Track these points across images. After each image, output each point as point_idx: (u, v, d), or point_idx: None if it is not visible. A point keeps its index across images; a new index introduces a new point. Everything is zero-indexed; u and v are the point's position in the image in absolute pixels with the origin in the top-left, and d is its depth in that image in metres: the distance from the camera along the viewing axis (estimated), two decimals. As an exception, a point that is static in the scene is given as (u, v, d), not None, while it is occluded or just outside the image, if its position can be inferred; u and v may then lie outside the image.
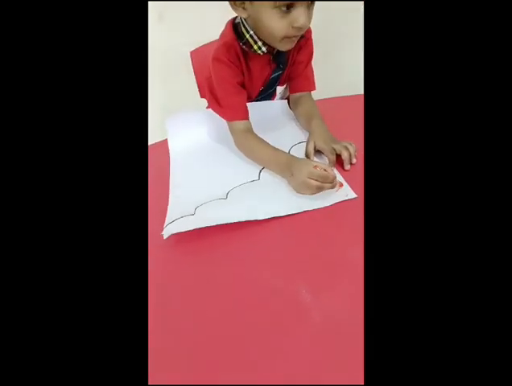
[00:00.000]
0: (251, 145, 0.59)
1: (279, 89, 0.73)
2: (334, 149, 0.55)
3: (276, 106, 0.72)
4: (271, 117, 0.69)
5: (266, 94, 0.71)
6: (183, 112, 0.69)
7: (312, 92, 0.70)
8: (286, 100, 0.75)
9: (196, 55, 0.86)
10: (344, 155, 0.54)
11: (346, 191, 0.49)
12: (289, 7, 0.49)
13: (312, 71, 0.71)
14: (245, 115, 0.61)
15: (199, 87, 0.88)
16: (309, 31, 0.67)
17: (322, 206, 0.48)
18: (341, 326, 0.34)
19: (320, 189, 0.48)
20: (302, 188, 0.49)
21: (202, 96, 0.86)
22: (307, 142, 0.59)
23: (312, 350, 0.32)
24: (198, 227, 0.44)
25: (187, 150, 0.64)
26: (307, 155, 0.58)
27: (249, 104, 0.68)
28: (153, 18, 1.09)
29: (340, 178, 0.52)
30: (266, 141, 0.58)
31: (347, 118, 0.66)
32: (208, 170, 0.59)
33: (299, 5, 0.49)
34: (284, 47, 0.57)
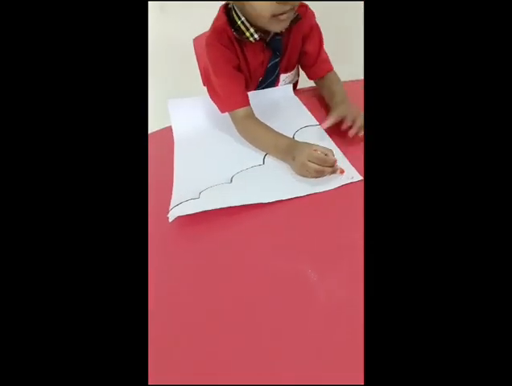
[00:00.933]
0: (253, 132, 0.58)
1: (283, 77, 0.71)
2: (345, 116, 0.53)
3: (279, 92, 0.71)
4: (275, 103, 0.68)
5: (268, 83, 0.69)
6: (186, 98, 0.68)
7: None
8: (291, 85, 0.74)
9: (199, 42, 0.85)
10: (358, 122, 0.52)
11: (352, 174, 0.48)
12: None
13: (326, 54, 0.69)
14: (244, 102, 0.59)
15: (201, 74, 0.88)
16: (313, 17, 0.65)
17: (326, 189, 0.47)
18: (344, 306, 0.34)
19: (319, 172, 0.47)
20: (302, 171, 0.49)
21: (205, 84, 0.85)
22: (331, 112, 0.57)
23: (317, 331, 0.32)
24: (203, 209, 0.44)
25: (192, 135, 0.63)
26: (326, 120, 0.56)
27: (251, 93, 0.67)
28: (155, 9, 1.08)
29: (345, 161, 0.51)
30: (268, 126, 0.57)
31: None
32: (212, 154, 0.58)
33: None
34: (275, 27, 0.55)
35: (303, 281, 0.36)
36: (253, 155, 0.56)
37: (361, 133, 0.53)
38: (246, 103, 0.60)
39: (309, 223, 0.44)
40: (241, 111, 0.59)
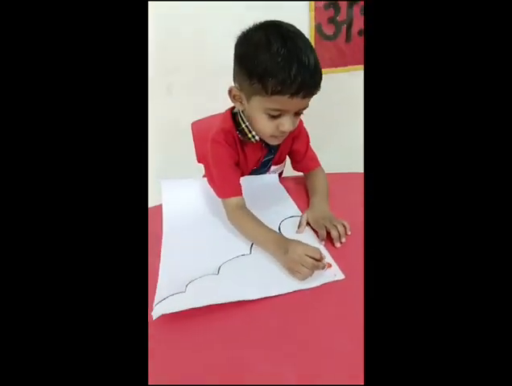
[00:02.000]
0: (244, 222, 0.61)
1: (273, 168, 0.79)
2: (325, 227, 0.58)
3: (265, 179, 0.77)
4: (261, 190, 0.73)
5: (259, 172, 0.77)
6: (179, 179, 0.73)
7: None
8: (277, 174, 0.81)
9: (196, 126, 0.94)
10: (332, 234, 0.57)
11: (334, 271, 0.51)
12: (277, 115, 0.57)
13: (313, 152, 0.79)
14: (238, 192, 0.65)
15: (197, 153, 0.94)
16: (300, 123, 0.75)
17: (311, 286, 0.48)
18: None
19: (314, 267, 0.49)
20: (295, 265, 0.49)
21: (199, 162, 0.91)
22: (303, 214, 0.63)
23: None
24: (188, 307, 0.43)
25: (180, 221, 0.65)
26: (298, 226, 0.61)
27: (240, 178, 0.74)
28: (161, 91, 1.20)
29: (329, 257, 0.53)
30: (258, 219, 0.60)
31: (346, 194, 0.71)
32: (200, 241, 0.60)
33: (286, 114, 0.57)
34: (272, 142, 0.65)
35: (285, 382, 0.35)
36: (241, 243, 0.58)
37: (343, 240, 0.57)
38: (239, 193, 0.65)
39: (294, 321, 0.44)
40: (233, 200, 0.64)
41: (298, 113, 0.59)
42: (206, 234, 0.62)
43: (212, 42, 1.16)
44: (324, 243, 0.57)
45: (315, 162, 0.77)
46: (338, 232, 0.57)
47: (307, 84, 0.52)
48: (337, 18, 1.22)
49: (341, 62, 1.31)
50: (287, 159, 0.84)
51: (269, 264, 0.53)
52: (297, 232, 0.60)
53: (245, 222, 0.61)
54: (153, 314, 0.43)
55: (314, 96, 0.57)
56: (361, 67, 1.35)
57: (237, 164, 0.69)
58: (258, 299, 0.46)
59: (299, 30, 0.55)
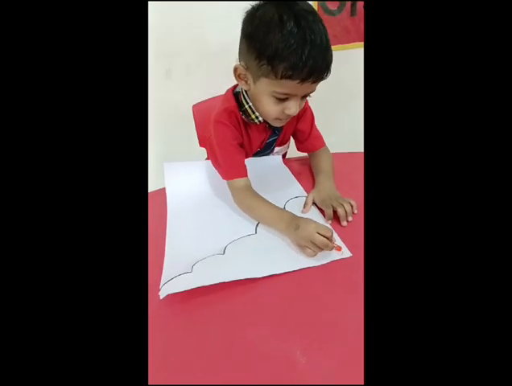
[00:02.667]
0: (252, 203, 0.60)
1: (277, 149, 0.77)
2: (332, 206, 0.57)
3: (269, 161, 0.76)
4: (265, 172, 0.72)
5: (263, 154, 0.75)
6: (182, 162, 0.71)
7: None
8: (281, 155, 0.80)
9: (197, 109, 0.92)
10: (339, 212, 0.56)
11: (341, 250, 0.50)
12: (284, 99, 0.54)
13: (318, 131, 0.76)
14: (244, 173, 0.64)
15: (198, 137, 0.93)
16: (305, 102, 0.73)
17: (318, 264, 0.48)
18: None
19: (323, 246, 0.48)
20: (306, 242, 0.48)
21: (201, 146, 0.90)
22: (309, 194, 0.62)
23: None
24: (195, 286, 0.43)
25: (185, 201, 0.64)
26: (304, 205, 0.60)
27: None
28: (160, 74, 1.18)
29: (336, 237, 0.52)
30: (265, 199, 0.60)
31: (348, 173, 0.70)
32: (205, 222, 0.59)
33: (293, 98, 0.55)
34: (275, 124, 0.63)
35: (291, 364, 0.35)
36: (246, 224, 0.58)
37: (350, 219, 0.56)
38: (245, 174, 0.64)
39: (298, 298, 0.44)
40: (240, 181, 0.63)
41: (305, 96, 0.57)
42: (211, 215, 0.61)
43: (210, 24, 1.13)
44: (330, 222, 0.56)
45: (320, 141, 0.75)
46: (345, 210, 0.56)
47: (319, 67, 0.50)
48: (342, -8, 1.18)
49: (345, 39, 1.27)
50: (291, 140, 0.82)
51: (275, 243, 0.53)
52: (303, 212, 0.60)
53: (253, 202, 0.60)
54: (160, 294, 0.43)
55: None
56: (366, 44, 1.31)
57: (241, 145, 0.68)
58: (264, 277, 0.46)
59: (311, 7, 0.52)
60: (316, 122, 0.81)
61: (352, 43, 1.29)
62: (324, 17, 1.20)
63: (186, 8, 1.11)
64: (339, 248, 0.49)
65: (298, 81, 0.50)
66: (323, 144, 0.75)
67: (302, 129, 0.74)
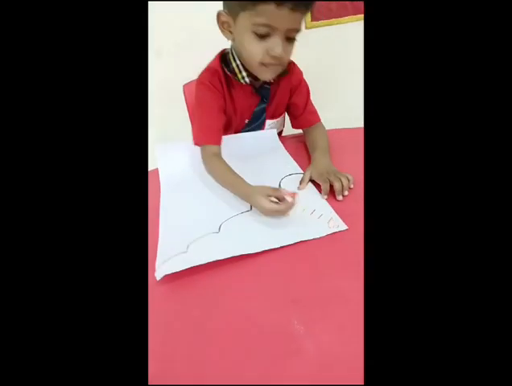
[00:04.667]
0: (219, 171, 0.61)
1: (269, 122, 0.75)
2: (328, 180, 0.56)
3: (264, 135, 0.74)
4: (260, 148, 0.70)
5: (254, 126, 0.73)
6: (175, 143, 0.70)
7: None
8: (275, 130, 0.78)
9: (188, 89, 0.89)
10: (336, 186, 0.55)
11: (337, 223, 0.50)
12: (265, 36, 0.53)
13: (313, 106, 0.75)
14: (215, 140, 0.63)
15: (191, 119, 0.91)
16: (300, 74, 0.72)
17: (313, 237, 0.48)
18: (335, 357, 0.33)
19: (280, 213, 0.50)
20: (268, 214, 0.51)
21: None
22: (306, 170, 0.61)
23: (307, 383, 0.31)
24: (191, 265, 0.43)
25: (179, 181, 0.63)
26: (301, 182, 0.60)
27: (236, 136, 0.71)
28: (151, 54, 1.14)
29: (331, 210, 0.52)
30: (232, 170, 0.59)
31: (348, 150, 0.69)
32: (199, 202, 0.58)
33: (275, 34, 0.53)
34: (262, 74, 0.60)
35: (289, 334, 0.35)
36: (240, 202, 0.57)
37: (346, 193, 0.55)
38: (215, 142, 0.63)
39: (296, 271, 0.44)
40: (212, 148, 0.63)
41: (289, 39, 0.55)
42: (205, 195, 0.60)
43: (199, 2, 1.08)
44: (326, 197, 0.56)
45: (315, 116, 0.74)
46: (342, 185, 0.55)
47: None
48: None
49: (341, 13, 1.23)
50: (287, 120, 0.80)
51: (270, 218, 0.52)
52: (299, 189, 0.59)
53: (220, 169, 0.60)
54: (156, 275, 0.42)
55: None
56: (362, 17, 1.26)
57: (225, 111, 0.66)
58: (261, 252, 0.45)
59: None
60: (312, 98, 0.79)
61: (348, 17, 1.24)
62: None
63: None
64: (293, 194, 0.50)
65: (275, 5, 0.49)
66: (318, 119, 0.74)
67: (296, 103, 0.72)
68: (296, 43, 0.59)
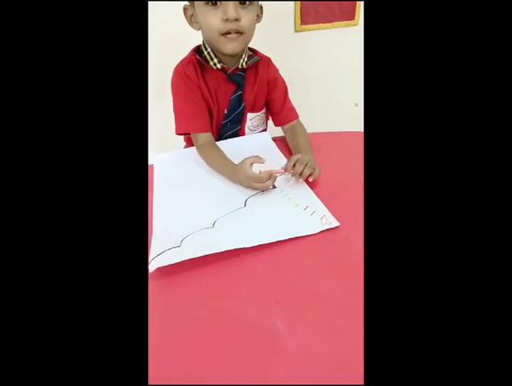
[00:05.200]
0: (214, 158, 0.65)
1: (250, 116, 0.76)
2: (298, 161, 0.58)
3: (256, 139, 0.76)
4: (254, 151, 0.71)
5: (234, 116, 0.74)
6: (172, 152, 0.73)
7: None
8: (268, 133, 0.80)
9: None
10: (296, 168, 0.57)
11: (330, 220, 0.52)
12: (216, 3, 0.57)
13: (291, 103, 0.78)
14: (205, 128, 0.67)
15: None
16: (277, 71, 0.76)
17: (306, 233, 0.49)
18: (317, 358, 0.33)
19: (259, 179, 0.55)
20: (248, 181, 0.56)
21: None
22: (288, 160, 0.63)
23: (288, 383, 0.31)
24: (184, 259, 0.43)
25: (172, 179, 0.64)
26: (285, 169, 0.61)
27: (229, 141, 0.73)
28: (151, 54, 1.12)
29: (324, 208, 0.54)
30: (225, 155, 0.64)
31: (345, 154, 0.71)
32: (194, 199, 0.59)
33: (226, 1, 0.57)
34: (226, 46, 0.62)
35: (273, 334, 0.35)
36: (236, 198, 0.57)
37: (294, 180, 0.59)
38: (207, 129, 0.66)
39: (280, 271, 0.44)
40: (201, 136, 0.66)
41: (243, 4, 0.58)
42: (200, 191, 0.61)
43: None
44: (284, 172, 0.59)
45: (293, 112, 0.77)
46: (302, 171, 0.57)
47: None
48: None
49: (329, 18, 1.26)
50: (270, 122, 0.82)
51: (264, 214, 0.53)
52: (284, 170, 0.60)
53: (215, 157, 0.65)
54: (149, 268, 0.43)
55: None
56: (352, 23, 1.30)
57: (202, 96, 0.68)
58: (252, 249, 0.46)
59: None
60: (301, 101, 0.81)
61: (335, 22, 1.28)
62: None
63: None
64: (281, 171, 0.55)
65: None
66: (296, 116, 0.77)
67: (275, 99, 0.75)
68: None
